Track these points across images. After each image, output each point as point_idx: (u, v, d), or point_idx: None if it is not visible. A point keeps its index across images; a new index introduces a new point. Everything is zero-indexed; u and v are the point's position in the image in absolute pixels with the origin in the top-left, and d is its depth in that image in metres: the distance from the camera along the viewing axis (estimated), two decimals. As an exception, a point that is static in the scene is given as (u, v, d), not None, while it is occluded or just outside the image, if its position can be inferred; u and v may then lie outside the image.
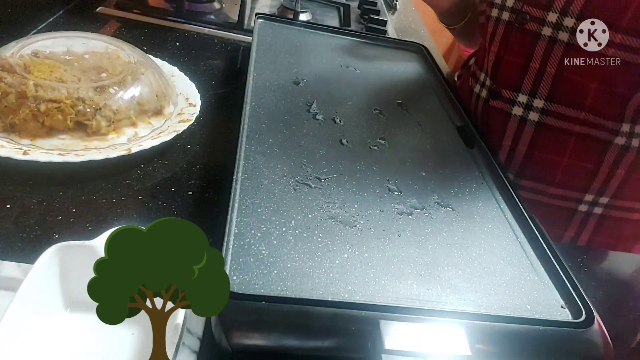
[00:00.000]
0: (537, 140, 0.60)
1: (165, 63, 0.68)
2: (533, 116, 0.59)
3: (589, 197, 0.60)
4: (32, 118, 0.50)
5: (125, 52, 0.60)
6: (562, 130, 0.58)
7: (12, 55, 0.54)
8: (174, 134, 0.55)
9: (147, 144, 0.52)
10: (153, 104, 0.58)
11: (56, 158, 0.48)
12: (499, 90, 0.62)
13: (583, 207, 0.61)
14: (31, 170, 0.48)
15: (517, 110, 0.60)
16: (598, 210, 0.60)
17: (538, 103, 0.58)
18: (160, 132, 0.56)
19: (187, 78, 0.67)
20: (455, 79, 0.85)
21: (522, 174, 0.62)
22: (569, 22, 0.54)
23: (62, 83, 0.52)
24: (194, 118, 0.59)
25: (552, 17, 0.55)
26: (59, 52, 0.57)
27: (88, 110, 0.52)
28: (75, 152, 0.49)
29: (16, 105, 0.50)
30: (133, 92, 0.56)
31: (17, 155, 0.47)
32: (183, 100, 0.63)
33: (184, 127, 0.57)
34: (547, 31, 0.55)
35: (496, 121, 0.63)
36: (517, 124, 0.60)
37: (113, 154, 0.50)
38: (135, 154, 0.51)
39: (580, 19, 0.53)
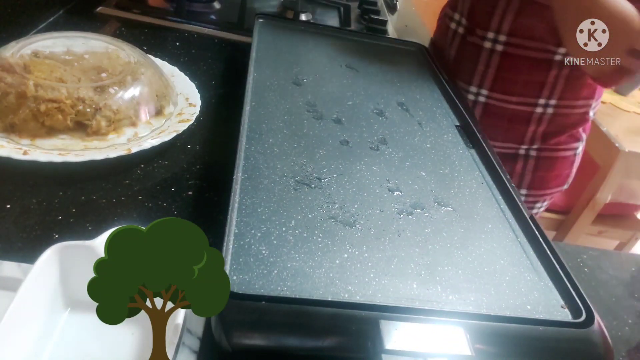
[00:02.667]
0: (502, 65, 0.82)
1: (165, 63, 0.68)
2: (499, 47, 0.81)
3: (541, 101, 0.84)
4: (32, 118, 0.50)
5: (125, 52, 0.60)
6: (520, 56, 0.79)
7: (12, 55, 0.54)
8: (174, 134, 0.55)
9: (147, 144, 0.52)
10: (153, 104, 0.58)
11: (56, 158, 0.48)
12: (473, 28, 0.84)
13: (539, 109, 0.84)
14: (31, 170, 0.48)
15: (487, 44, 0.82)
16: (550, 110, 0.84)
17: (502, 38, 0.79)
18: (160, 132, 0.56)
19: (187, 78, 0.67)
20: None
21: (493, 89, 0.85)
22: None
23: (62, 83, 0.52)
24: (194, 118, 0.59)
25: None
26: (59, 52, 0.57)
27: (88, 110, 0.52)
28: (75, 152, 0.49)
29: (16, 105, 0.50)
30: (133, 92, 0.56)
31: (17, 155, 0.47)
32: (183, 100, 0.63)
33: (184, 127, 0.57)
34: None
35: (471, 52, 0.85)
36: (488, 54, 0.82)
37: (113, 154, 0.50)
38: (135, 154, 0.51)
39: None
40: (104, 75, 0.56)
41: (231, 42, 0.87)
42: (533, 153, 0.89)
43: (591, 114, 0.88)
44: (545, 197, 0.95)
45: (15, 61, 0.53)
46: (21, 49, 0.55)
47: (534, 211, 0.97)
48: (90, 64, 0.57)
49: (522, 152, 0.89)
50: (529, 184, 0.91)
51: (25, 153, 0.47)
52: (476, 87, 0.86)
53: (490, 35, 0.81)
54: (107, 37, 0.63)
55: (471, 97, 0.87)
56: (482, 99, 0.86)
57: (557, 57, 0.78)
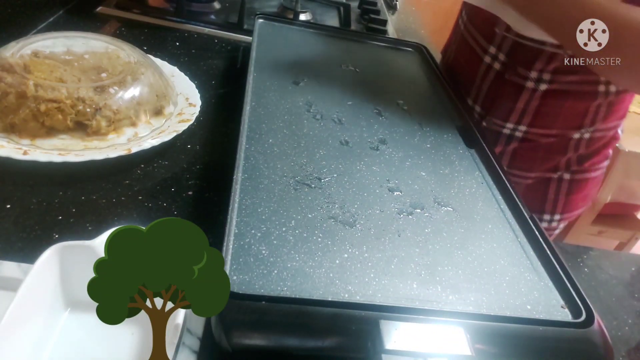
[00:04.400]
0: (544, 102, 0.76)
1: (165, 63, 0.68)
2: (543, 87, 0.75)
3: (581, 130, 0.80)
4: (32, 118, 0.50)
5: (125, 52, 0.60)
6: (563, 91, 0.74)
7: (12, 55, 0.54)
8: (174, 134, 0.55)
9: (147, 144, 0.52)
10: (153, 104, 0.58)
11: (56, 158, 0.48)
12: (514, 66, 0.76)
13: (576, 135, 0.80)
14: (31, 170, 0.48)
15: (530, 84, 0.75)
16: (587, 135, 0.81)
17: (546, 76, 0.74)
18: (160, 132, 0.56)
19: (187, 78, 0.67)
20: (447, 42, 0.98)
21: (532, 125, 0.79)
22: None
23: (62, 83, 0.52)
24: (194, 118, 0.59)
25: None
26: (59, 52, 0.57)
27: (88, 110, 0.52)
28: (75, 152, 0.49)
29: (16, 105, 0.50)
30: (133, 92, 0.56)
31: (17, 155, 0.47)
32: (183, 100, 0.63)
33: (184, 127, 0.57)
34: None
35: (510, 91, 0.78)
36: (530, 93, 0.76)
37: (113, 154, 0.50)
38: (135, 154, 0.51)
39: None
40: (104, 75, 0.56)
41: (231, 42, 0.87)
42: (567, 176, 0.84)
43: (619, 131, 0.85)
44: (572, 217, 0.90)
45: (15, 61, 0.53)
46: (21, 49, 0.55)
47: (557, 231, 0.91)
48: (90, 64, 0.57)
49: (555, 176, 0.84)
50: (562, 209, 0.85)
51: (25, 153, 0.47)
52: (513, 124, 0.79)
53: (534, 75, 0.74)
54: (107, 37, 0.63)
55: (506, 131, 0.80)
56: (519, 134, 0.80)
57: (601, 88, 0.74)
